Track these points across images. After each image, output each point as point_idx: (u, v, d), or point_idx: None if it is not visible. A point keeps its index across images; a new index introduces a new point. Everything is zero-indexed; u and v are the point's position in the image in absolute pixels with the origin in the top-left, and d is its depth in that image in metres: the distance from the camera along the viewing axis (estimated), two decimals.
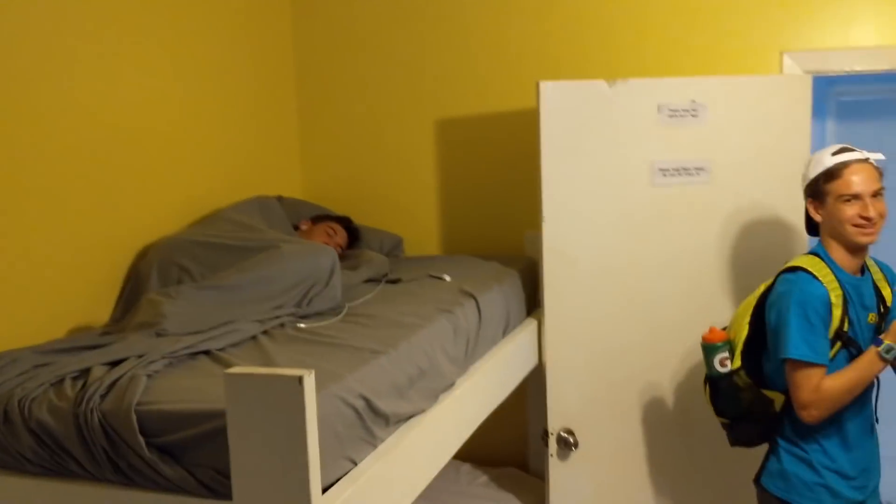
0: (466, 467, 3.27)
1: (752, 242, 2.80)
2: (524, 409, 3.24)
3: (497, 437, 3.15)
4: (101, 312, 2.46)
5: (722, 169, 2.78)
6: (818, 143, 3.02)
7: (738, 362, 2.21)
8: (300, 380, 1.37)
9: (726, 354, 2.22)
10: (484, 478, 3.21)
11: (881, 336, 2.06)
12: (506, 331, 2.66)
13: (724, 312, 2.76)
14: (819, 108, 3.30)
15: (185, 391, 1.65)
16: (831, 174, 2.12)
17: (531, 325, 2.80)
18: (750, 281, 2.78)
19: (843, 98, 3.51)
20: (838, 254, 2.14)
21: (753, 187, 2.78)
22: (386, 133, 3.44)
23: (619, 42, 3.13)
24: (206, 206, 2.89)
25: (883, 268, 2.29)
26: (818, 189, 2.16)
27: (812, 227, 2.26)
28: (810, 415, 2.06)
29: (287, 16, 3.49)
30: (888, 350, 2.02)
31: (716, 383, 2.28)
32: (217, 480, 1.50)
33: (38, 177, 2.21)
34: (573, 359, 2.84)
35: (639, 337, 2.84)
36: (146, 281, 2.41)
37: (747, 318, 2.23)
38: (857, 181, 2.09)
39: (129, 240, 2.57)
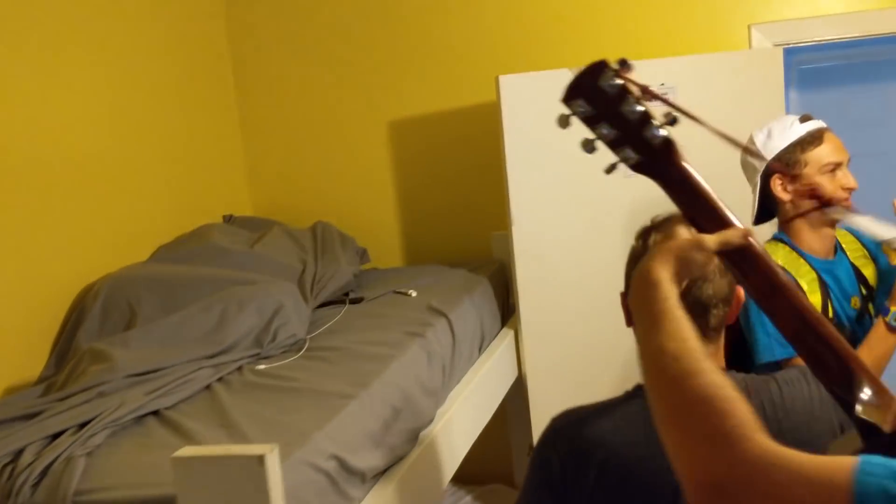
0: (449, 488, 3.08)
1: None
2: (505, 422, 3.05)
3: (479, 453, 2.95)
4: (38, 365, 2.23)
5: (697, 152, 2.61)
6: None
7: None
8: (261, 459, 1.18)
9: None
10: (468, 498, 3.03)
11: (886, 303, 1.73)
12: (482, 347, 2.48)
13: None
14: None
15: (129, 471, 1.44)
16: (811, 140, 1.82)
17: (507, 335, 2.62)
18: None
19: (803, 66, 3.37)
20: (806, 236, 1.86)
21: (728, 171, 2.62)
22: (336, 139, 3.22)
23: (580, 29, 2.94)
24: (151, 240, 2.66)
25: (861, 238, 1.98)
26: (793, 160, 1.84)
27: (763, 214, 1.96)
28: None
29: (221, 24, 3.24)
30: None
31: None
32: None
33: None
34: (553, 366, 2.66)
35: (617, 336, 2.66)
36: (85, 319, 2.18)
37: None
38: (839, 147, 1.83)
39: (65, 283, 2.33)
